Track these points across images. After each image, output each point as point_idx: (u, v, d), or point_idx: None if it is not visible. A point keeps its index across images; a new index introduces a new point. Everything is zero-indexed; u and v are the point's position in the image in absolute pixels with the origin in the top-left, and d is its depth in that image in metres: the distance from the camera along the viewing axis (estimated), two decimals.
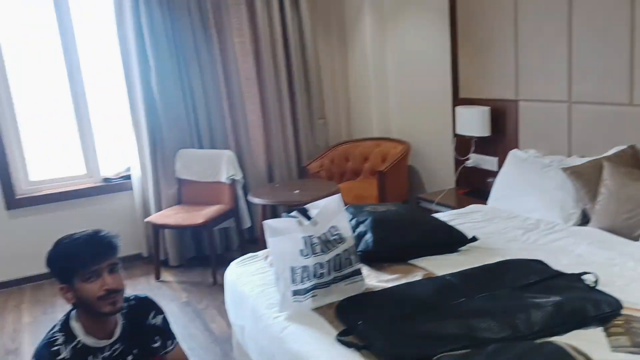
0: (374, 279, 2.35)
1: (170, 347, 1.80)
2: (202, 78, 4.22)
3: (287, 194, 3.87)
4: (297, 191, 3.84)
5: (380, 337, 1.79)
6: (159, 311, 1.78)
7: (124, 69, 4.04)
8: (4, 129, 3.91)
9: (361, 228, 2.56)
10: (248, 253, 2.79)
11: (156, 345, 1.74)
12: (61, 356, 1.51)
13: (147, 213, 4.22)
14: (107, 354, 1.61)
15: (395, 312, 1.96)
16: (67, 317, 1.60)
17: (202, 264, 4.23)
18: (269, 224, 2.07)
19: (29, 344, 3.17)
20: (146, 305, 1.74)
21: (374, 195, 4.14)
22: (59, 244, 1.56)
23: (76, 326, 1.57)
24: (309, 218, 2.13)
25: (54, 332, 1.56)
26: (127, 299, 1.69)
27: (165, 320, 1.80)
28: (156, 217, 3.95)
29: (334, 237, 2.12)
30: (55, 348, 1.52)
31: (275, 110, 4.55)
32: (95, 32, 4.16)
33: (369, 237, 2.50)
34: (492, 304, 1.93)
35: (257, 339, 2.21)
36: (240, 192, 4.24)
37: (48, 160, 4.28)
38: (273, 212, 4.65)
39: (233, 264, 2.70)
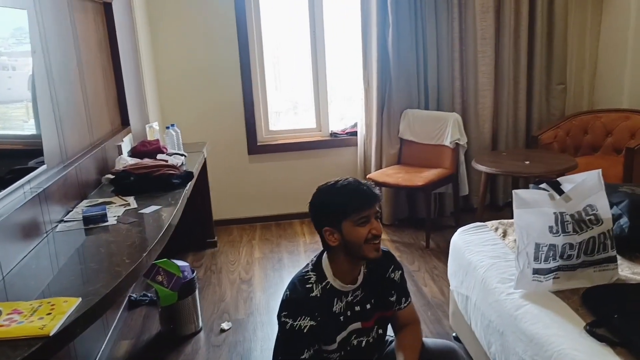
0: (627, 270, 2.06)
1: (404, 304, 1.80)
2: (438, 37, 4.10)
3: (515, 163, 3.60)
4: (527, 162, 3.54)
5: None
6: (398, 267, 1.79)
7: (362, 26, 4.10)
8: (253, 84, 4.30)
9: (614, 210, 2.24)
10: (461, 221, 2.68)
11: (392, 299, 1.76)
12: (314, 293, 1.61)
13: (367, 170, 4.33)
14: (349, 298, 1.67)
15: None
16: (319, 258, 1.69)
17: (413, 226, 4.23)
18: (519, 194, 1.92)
19: (259, 277, 3.53)
20: (388, 259, 1.76)
21: (617, 175, 3.63)
22: (330, 189, 1.62)
23: (327, 268, 1.65)
24: (561, 192, 1.93)
25: (308, 271, 1.66)
26: None
27: (402, 277, 1.80)
28: (377, 175, 4.02)
29: (589, 217, 1.89)
30: (309, 285, 1.62)
31: (510, 73, 4.24)
32: None
33: (624, 221, 2.19)
34: None
35: (484, 312, 2.10)
36: (462, 158, 4.08)
37: (279, 112, 4.64)
38: (493, 182, 4.41)
39: (460, 231, 2.61)
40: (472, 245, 2.41)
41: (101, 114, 3.15)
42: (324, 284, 1.63)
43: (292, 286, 1.64)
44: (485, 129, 4.33)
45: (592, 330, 1.63)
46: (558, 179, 2.01)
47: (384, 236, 4.09)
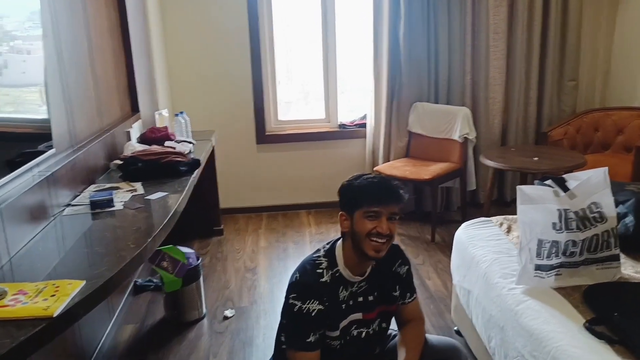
0: (630, 269, 2.05)
1: (409, 300, 1.81)
2: (450, 30, 4.08)
3: (523, 160, 3.58)
4: (535, 158, 3.53)
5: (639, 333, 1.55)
6: (406, 262, 1.79)
7: (374, 17, 4.07)
8: (263, 73, 4.30)
9: (620, 209, 2.24)
10: (468, 215, 2.68)
11: (395, 294, 1.77)
12: (324, 279, 1.63)
13: (375, 162, 4.32)
14: (354, 288, 1.69)
15: None
16: (333, 245, 1.70)
17: (419, 219, 4.22)
18: (523, 189, 1.92)
19: (264, 266, 3.55)
20: (395, 253, 1.76)
21: (627, 173, 3.60)
22: (359, 178, 1.66)
23: (339, 256, 1.67)
24: (565, 189, 1.92)
25: (319, 256, 1.68)
26: None
27: (409, 272, 1.80)
28: (384, 167, 4.02)
29: (593, 215, 1.89)
30: (320, 270, 1.64)
31: (521, 69, 4.21)
32: None
33: (629, 220, 2.18)
34: None
35: (485, 306, 2.10)
36: (470, 152, 4.07)
37: (290, 102, 4.64)
38: (500, 177, 4.40)
39: (464, 226, 2.61)
40: (475, 239, 2.41)
41: (111, 100, 3.17)
42: (334, 270, 1.65)
43: (303, 269, 1.66)
44: (495, 124, 4.31)
45: (591, 327, 1.63)
46: (563, 176, 2.01)
47: None
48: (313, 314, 1.58)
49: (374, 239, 1.59)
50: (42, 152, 2.07)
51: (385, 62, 4.08)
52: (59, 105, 2.39)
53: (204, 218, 4.02)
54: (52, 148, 2.11)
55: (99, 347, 2.57)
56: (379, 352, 1.83)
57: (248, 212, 4.50)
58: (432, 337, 1.87)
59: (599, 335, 1.60)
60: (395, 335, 1.88)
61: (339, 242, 1.70)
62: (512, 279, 2.01)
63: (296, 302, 1.60)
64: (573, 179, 1.98)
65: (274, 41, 4.32)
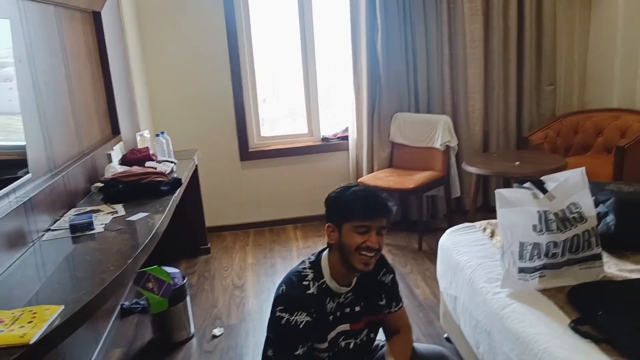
0: (614, 267, 2.06)
1: (395, 309, 1.80)
2: (427, 40, 4.12)
3: (505, 164, 3.61)
4: (517, 163, 3.55)
5: (625, 331, 1.55)
6: (390, 270, 1.79)
7: (352, 31, 4.10)
8: (244, 91, 4.31)
9: (601, 208, 2.26)
10: (454, 223, 2.69)
11: (381, 303, 1.76)
12: (310, 291, 1.61)
13: (359, 174, 4.33)
14: (341, 299, 1.68)
15: None
16: (318, 257, 1.69)
17: (407, 229, 4.23)
18: (502, 193, 1.92)
19: (252, 283, 3.53)
20: (379, 262, 1.75)
21: (608, 174, 3.64)
22: (348, 190, 1.63)
23: (325, 267, 1.66)
24: (544, 191, 1.93)
25: (305, 268, 1.66)
26: None
27: (394, 280, 1.80)
28: (368, 179, 4.02)
29: (572, 215, 1.90)
30: (306, 282, 1.62)
31: (499, 75, 4.26)
32: None
33: (610, 219, 2.19)
34: None
35: (472, 312, 2.10)
36: (453, 160, 4.09)
37: (277, 118, 4.65)
38: (485, 183, 4.42)
39: (448, 232, 2.61)
40: (460, 245, 2.42)
41: (90, 123, 3.16)
42: (320, 282, 1.64)
43: (289, 281, 1.64)
44: (476, 130, 4.34)
45: (576, 327, 1.63)
46: (542, 178, 2.02)
47: None
48: (301, 326, 1.56)
49: (364, 252, 1.58)
50: (19, 178, 2.04)
51: (364, 74, 4.11)
52: (36, 131, 2.38)
53: (191, 237, 3.99)
54: (28, 173, 2.08)
55: None
56: None
57: (235, 230, 4.48)
58: (421, 345, 1.86)
59: (584, 335, 1.60)
60: (383, 346, 1.87)
61: (325, 253, 1.69)
62: (496, 283, 2.01)
63: (283, 314, 1.58)
64: (551, 181, 1.99)
65: (254, 59, 4.34)
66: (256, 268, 3.75)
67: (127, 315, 3.13)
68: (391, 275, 1.77)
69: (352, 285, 1.69)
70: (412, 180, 3.81)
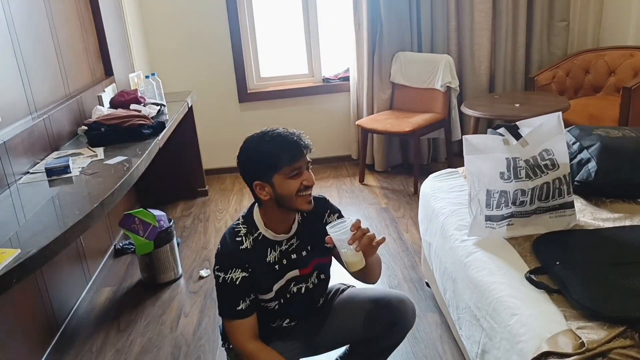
0: (589, 216, 2.00)
1: None
2: None
3: (505, 107, 3.48)
4: (517, 105, 3.42)
5: (578, 283, 1.51)
6: (334, 210, 1.75)
7: None
8: (242, 31, 4.20)
9: (584, 154, 2.17)
10: (455, 166, 2.62)
11: (329, 245, 1.72)
12: (244, 246, 1.59)
13: (359, 116, 4.25)
14: (284, 247, 1.66)
15: (606, 258, 1.64)
16: (250, 210, 1.67)
17: (406, 172, 4.18)
18: (469, 139, 1.85)
19: None
20: (322, 205, 1.72)
21: (614, 117, 3.48)
22: (260, 142, 1.55)
23: (258, 220, 1.63)
24: (518, 137, 1.85)
25: (238, 224, 1.64)
26: None
27: (340, 217, 1.75)
28: (366, 121, 3.94)
29: (544, 162, 1.82)
30: (239, 238, 1.60)
31: (509, 11, 4.04)
32: None
33: (592, 165, 2.11)
34: None
35: (441, 258, 2.08)
36: (454, 101, 3.96)
37: (276, 58, 4.53)
38: (488, 126, 4.29)
39: (430, 178, 2.56)
40: (438, 191, 2.37)
41: (79, 65, 3.13)
42: (255, 235, 1.61)
43: (223, 240, 1.63)
44: (481, 71, 4.17)
45: (530, 277, 1.60)
46: (517, 123, 1.94)
47: (374, 183, 4.06)
48: (237, 282, 1.56)
49: (303, 193, 1.55)
50: None
51: (364, 11, 3.94)
52: (12, 73, 2.37)
53: (188, 179, 4.02)
54: None
55: (72, 311, 2.63)
56: (323, 303, 1.82)
57: (234, 172, 4.45)
58: (382, 289, 1.85)
59: (538, 285, 1.57)
60: (342, 290, 1.87)
61: (255, 206, 1.65)
62: (466, 231, 1.97)
63: (220, 273, 1.58)
64: (526, 126, 1.90)
65: None
66: None
67: (120, 255, 3.22)
68: (336, 214, 1.74)
69: (294, 231, 1.67)
70: (409, 123, 3.72)
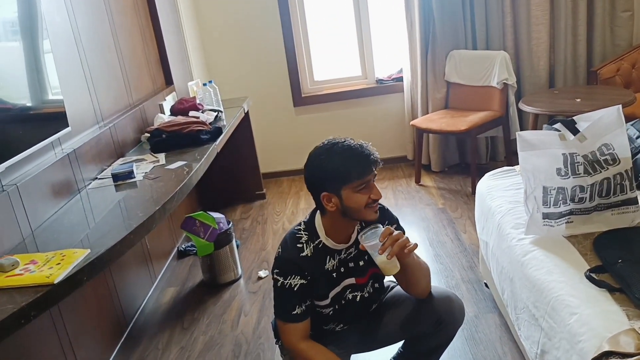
0: None
1: None
2: None
3: (565, 102, 3.37)
4: (578, 100, 3.31)
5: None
6: (393, 220, 1.74)
7: None
8: (295, 35, 4.28)
9: None
10: (515, 165, 2.56)
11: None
12: (304, 253, 1.61)
13: (414, 116, 4.22)
14: (342, 255, 1.68)
15: None
16: (312, 217, 1.69)
17: (464, 172, 4.11)
18: (523, 135, 1.82)
19: None
20: (381, 214, 1.72)
21: None
22: (330, 153, 1.53)
23: (319, 228, 1.64)
24: (575, 132, 1.80)
25: (300, 230, 1.66)
26: None
27: (399, 228, 1.76)
28: (421, 121, 3.92)
29: (604, 157, 1.76)
30: (300, 245, 1.62)
31: (567, 3, 3.90)
32: None
33: None
34: None
35: (498, 258, 2.05)
36: (512, 98, 3.87)
37: (329, 62, 4.58)
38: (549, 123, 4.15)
39: (486, 176, 2.52)
40: (494, 190, 2.33)
41: (141, 75, 3.29)
42: (316, 242, 1.63)
43: (284, 243, 1.65)
44: (540, 66, 4.05)
45: (590, 275, 1.55)
46: (574, 118, 1.88)
47: (431, 183, 4.02)
48: (295, 289, 1.59)
49: (372, 206, 1.57)
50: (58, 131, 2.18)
51: (416, 10, 3.92)
52: (79, 84, 2.52)
53: (246, 183, 4.13)
54: (68, 127, 2.22)
55: (140, 309, 2.77)
56: (375, 308, 1.83)
57: (291, 175, 4.56)
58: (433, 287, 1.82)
59: (599, 284, 1.52)
60: (393, 287, 1.87)
61: (317, 213, 1.66)
62: (523, 229, 1.93)
63: (279, 277, 1.61)
64: (584, 121, 1.85)
65: (304, 1, 4.27)
66: (307, 212, 3.81)
67: (183, 257, 3.34)
68: (394, 225, 1.74)
69: (353, 240, 1.68)
70: (465, 121, 3.66)
